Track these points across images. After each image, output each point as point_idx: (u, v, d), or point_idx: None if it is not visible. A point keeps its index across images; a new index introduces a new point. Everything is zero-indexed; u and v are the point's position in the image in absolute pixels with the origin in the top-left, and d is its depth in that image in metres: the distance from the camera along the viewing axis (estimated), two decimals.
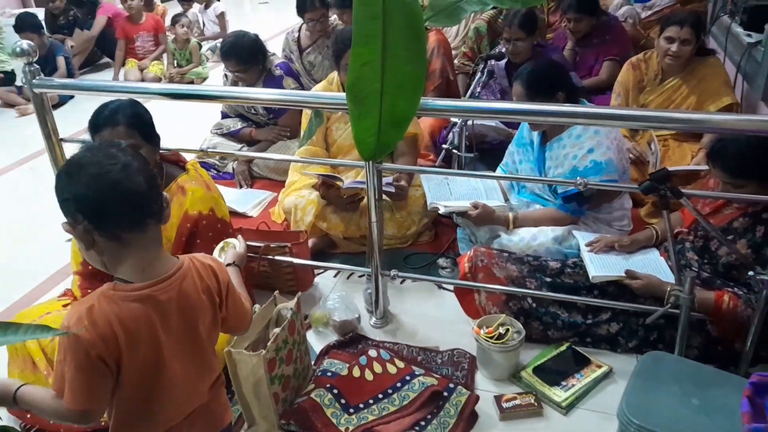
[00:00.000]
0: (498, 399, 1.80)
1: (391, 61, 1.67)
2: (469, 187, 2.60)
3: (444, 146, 2.91)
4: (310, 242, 2.50)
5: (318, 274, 2.45)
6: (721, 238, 1.83)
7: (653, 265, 2.02)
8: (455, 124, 2.91)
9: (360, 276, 2.44)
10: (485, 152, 3.13)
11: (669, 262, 1.99)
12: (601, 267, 2.03)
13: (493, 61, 3.19)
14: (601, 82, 3.63)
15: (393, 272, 2.12)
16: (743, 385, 1.43)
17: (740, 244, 1.84)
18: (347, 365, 1.88)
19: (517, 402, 1.78)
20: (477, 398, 1.79)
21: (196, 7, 6.50)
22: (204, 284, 1.23)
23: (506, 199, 2.58)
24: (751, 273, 1.64)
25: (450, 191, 2.58)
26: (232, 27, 6.39)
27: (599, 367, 1.90)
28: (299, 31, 3.95)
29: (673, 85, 2.90)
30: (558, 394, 1.81)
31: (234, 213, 2.81)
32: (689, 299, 1.72)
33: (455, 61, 3.92)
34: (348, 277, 2.45)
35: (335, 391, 1.78)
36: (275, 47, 3.98)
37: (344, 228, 2.57)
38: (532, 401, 1.78)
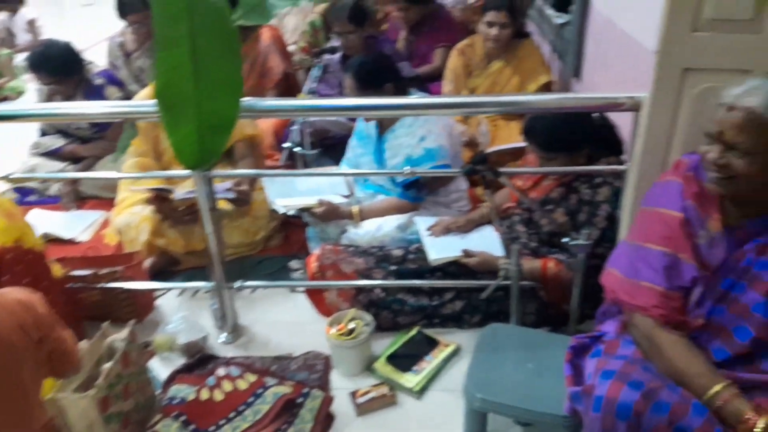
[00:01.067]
0: (353, 395, 1.80)
1: (203, 64, 1.59)
2: (314, 184, 2.58)
3: (284, 146, 2.86)
4: (148, 262, 2.35)
5: (159, 296, 2.31)
6: (538, 209, 1.97)
7: (488, 242, 2.12)
8: (296, 122, 2.88)
9: (206, 292, 2.34)
10: (329, 148, 3.12)
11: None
12: (439, 249, 2.10)
13: (327, 55, 3.18)
14: (435, 70, 3.75)
15: (237, 284, 2.05)
16: (568, 341, 1.55)
17: (559, 213, 1.98)
18: (195, 389, 1.79)
19: (372, 395, 1.79)
20: (331, 399, 1.78)
21: (2, 15, 5.86)
22: (15, 320, 1.10)
23: (353, 193, 2.60)
24: (565, 240, 1.77)
25: (294, 190, 2.55)
26: (49, 33, 5.83)
27: (447, 346, 1.97)
28: (123, 35, 3.69)
29: (498, 68, 3.07)
30: (410, 379, 1.85)
31: (60, 240, 2.57)
32: (517, 270, 1.83)
33: (295, 57, 3.87)
34: (194, 295, 2.34)
35: (183, 418, 1.69)
36: (102, 54, 3.69)
37: (185, 242, 2.44)
38: (386, 392, 1.81)
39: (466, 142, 2.93)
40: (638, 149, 1.62)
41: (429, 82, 3.70)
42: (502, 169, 1.81)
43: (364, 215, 2.38)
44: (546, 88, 3.00)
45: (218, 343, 2.08)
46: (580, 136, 1.92)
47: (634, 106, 1.62)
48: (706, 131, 1.29)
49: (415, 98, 2.12)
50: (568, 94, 1.76)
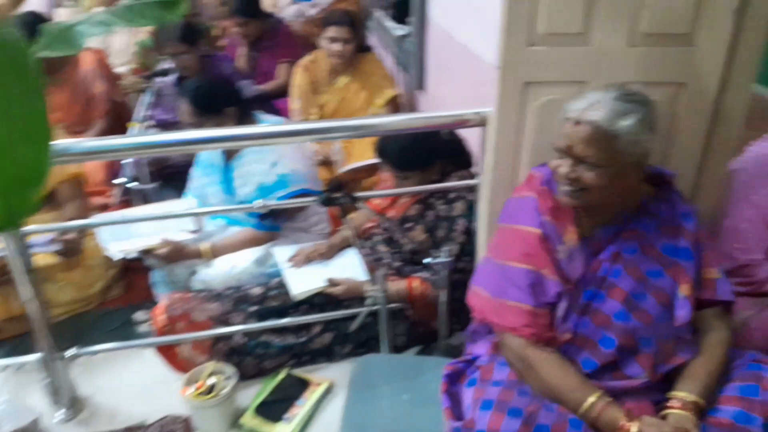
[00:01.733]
0: None
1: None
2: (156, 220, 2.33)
3: (115, 182, 2.57)
4: None
5: None
6: (398, 228, 1.92)
7: (352, 267, 2.04)
8: None
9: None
10: (171, 178, 2.88)
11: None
12: (302, 282, 1.97)
13: (160, 78, 2.92)
14: (279, 86, 3.62)
15: (71, 352, 1.76)
16: (441, 363, 1.50)
17: (418, 230, 1.94)
18: None
19: None
20: None
21: None
22: None
23: (202, 227, 2.38)
24: (427, 260, 1.73)
25: (132, 230, 2.28)
26: None
27: (319, 384, 1.85)
28: None
29: (345, 83, 3.01)
30: (282, 429, 1.70)
31: None
32: (383, 296, 1.76)
33: (124, 81, 3.53)
34: (19, 369, 1.98)
35: None
36: None
37: (3, 308, 2.08)
38: None
39: (320, 161, 2.84)
40: (488, 163, 1.62)
41: (274, 99, 3.57)
42: (358, 194, 1.72)
43: (216, 252, 2.18)
44: (393, 101, 2.99)
45: (54, 423, 1.78)
46: (431, 153, 1.90)
47: (481, 122, 1.61)
48: (556, 146, 1.30)
49: (263, 126, 1.97)
50: (416, 114, 1.73)
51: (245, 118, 2.22)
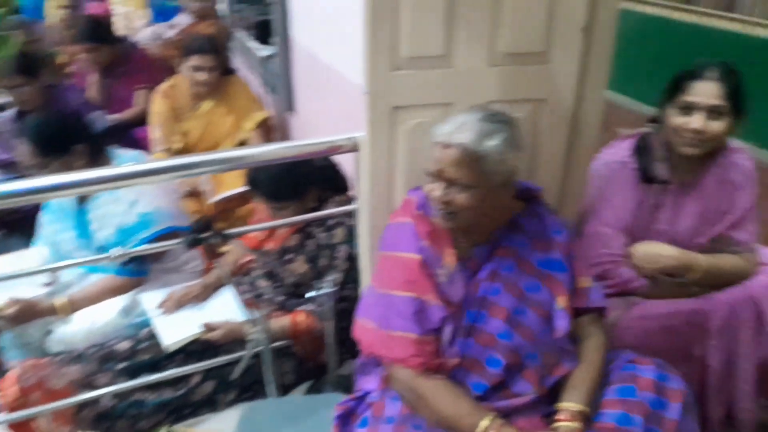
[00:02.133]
0: None
1: None
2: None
3: None
4: None
5: None
6: (278, 261, 1.83)
7: (230, 307, 1.91)
8: None
9: None
10: (17, 224, 2.57)
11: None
12: (175, 330, 1.81)
13: None
14: (138, 114, 3.38)
15: None
16: (332, 400, 1.44)
17: (300, 261, 1.86)
18: None
19: None
20: None
21: None
22: None
23: (57, 279, 2.14)
24: (309, 294, 1.66)
25: None
26: None
27: None
28: None
29: (210, 108, 2.86)
30: None
31: None
32: (266, 337, 1.66)
33: None
34: None
35: None
36: None
37: None
38: None
39: (187, 192, 2.66)
40: (364, 189, 1.58)
41: (133, 128, 3.33)
42: (228, 231, 1.61)
43: (74, 306, 1.95)
44: (264, 124, 2.89)
45: None
46: (305, 181, 1.83)
47: (353, 147, 1.58)
48: (428, 171, 1.29)
49: (119, 168, 1.74)
50: (287, 143, 1.65)
51: (98, 156, 2.02)
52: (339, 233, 1.82)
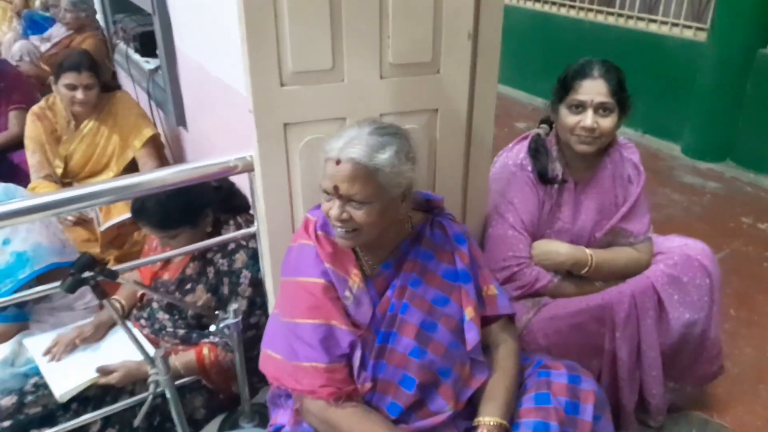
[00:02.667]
0: None
1: None
2: None
3: None
4: None
5: None
6: (176, 292, 1.73)
7: (127, 346, 1.77)
8: None
9: None
10: None
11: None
12: (67, 378, 1.66)
13: None
14: (15, 137, 3.10)
15: None
16: None
17: (200, 290, 1.76)
18: None
19: None
20: None
21: None
22: None
23: None
24: (212, 328, 1.57)
25: None
26: None
27: None
28: None
29: (91, 129, 2.65)
30: None
31: None
32: (169, 377, 1.54)
33: None
34: None
35: None
36: None
37: None
38: None
39: (73, 221, 2.46)
40: (261, 210, 1.50)
41: (10, 152, 3.05)
42: (114, 267, 1.48)
43: None
44: (153, 141, 2.72)
45: None
46: (198, 204, 1.72)
47: (247, 167, 1.49)
48: (323, 188, 1.23)
49: None
50: (177, 167, 1.52)
51: None
52: (240, 257, 1.73)
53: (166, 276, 1.83)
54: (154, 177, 1.51)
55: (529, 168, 1.68)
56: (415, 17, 1.38)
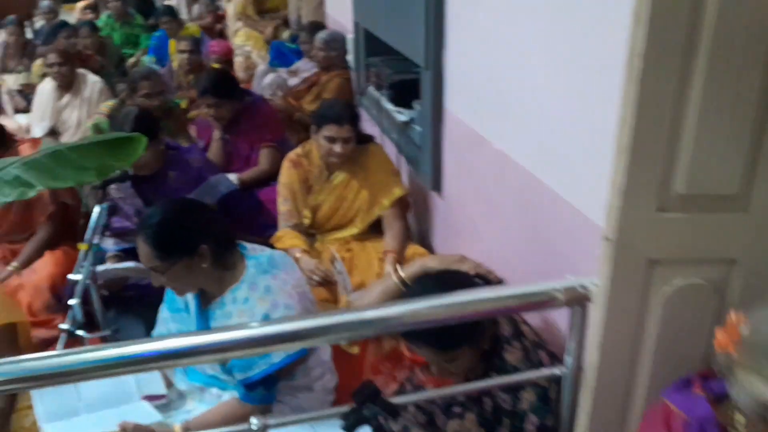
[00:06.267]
0: None
1: None
2: (112, 382, 1.79)
3: (63, 328, 1.99)
4: None
5: None
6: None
7: None
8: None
9: None
10: (133, 301, 2.35)
11: None
12: None
13: (114, 186, 2.38)
14: (263, 173, 3.13)
15: None
16: None
17: (470, 420, 1.44)
18: None
19: None
20: None
21: None
22: None
23: (170, 384, 1.85)
24: None
25: (77, 399, 1.75)
26: None
27: None
28: None
29: (342, 181, 2.52)
30: None
31: None
32: None
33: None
34: None
35: None
36: None
37: None
38: None
39: (318, 282, 2.31)
40: (574, 353, 1.15)
41: (257, 188, 3.07)
42: (398, 400, 1.21)
43: None
44: (401, 201, 2.51)
45: None
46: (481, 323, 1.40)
47: (580, 299, 1.15)
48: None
49: (259, 327, 1.29)
50: (486, 293, 1.23)
51: (226, 254, 1.71)
52: (527, 397, 1.37)
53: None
54: (434, 305, 1.19)
55: None
56: None
